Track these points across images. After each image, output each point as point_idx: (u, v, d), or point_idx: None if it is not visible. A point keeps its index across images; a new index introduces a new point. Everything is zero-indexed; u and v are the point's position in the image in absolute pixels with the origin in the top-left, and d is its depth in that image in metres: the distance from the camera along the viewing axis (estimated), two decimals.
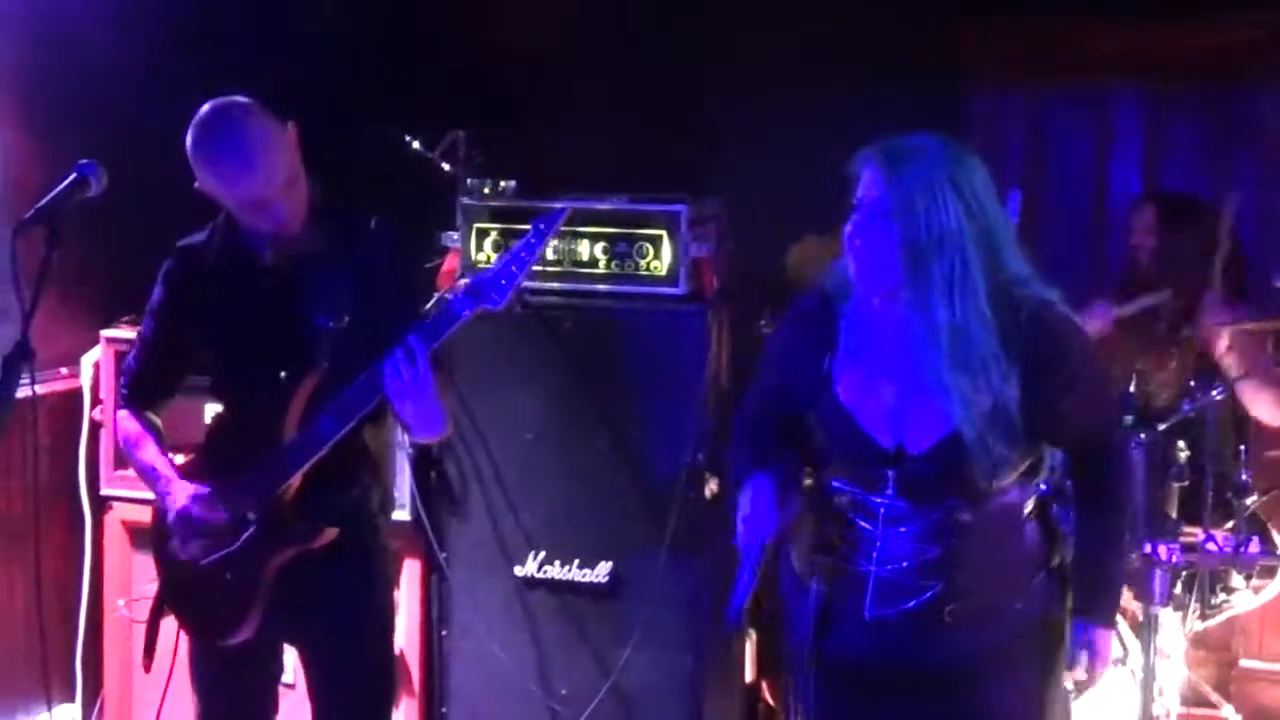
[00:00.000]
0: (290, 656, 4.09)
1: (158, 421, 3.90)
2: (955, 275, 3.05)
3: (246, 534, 3.61)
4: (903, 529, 3.25)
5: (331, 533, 3.61)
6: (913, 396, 3.20)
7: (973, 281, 3.06)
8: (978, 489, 3.19)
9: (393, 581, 3.90)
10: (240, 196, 3.53)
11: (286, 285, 3.66)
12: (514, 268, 3.45)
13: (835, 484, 3.36)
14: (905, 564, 3.25)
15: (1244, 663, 5.85)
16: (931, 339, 3.10)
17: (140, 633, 3.87)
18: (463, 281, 4.86)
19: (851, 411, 3.25)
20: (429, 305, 3.93)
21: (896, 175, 3.05)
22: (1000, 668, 3.31)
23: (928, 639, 3.27)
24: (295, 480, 3.57)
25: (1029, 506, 3.37)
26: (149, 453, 3.80)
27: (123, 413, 3.91)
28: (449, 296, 3.49)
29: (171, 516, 3.67)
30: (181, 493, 3.68)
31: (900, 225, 3.05)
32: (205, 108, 3.58)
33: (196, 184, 3.59)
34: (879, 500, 3.26)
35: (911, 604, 3.25)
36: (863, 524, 3.30)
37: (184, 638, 3.91)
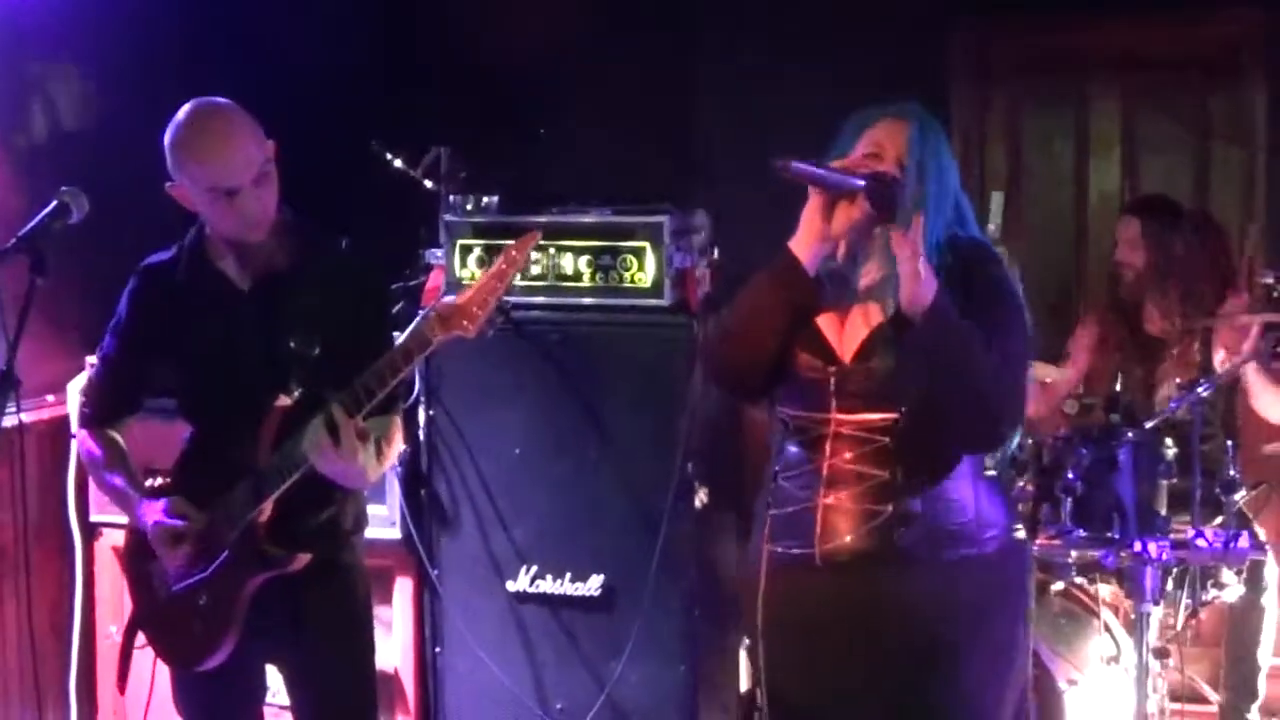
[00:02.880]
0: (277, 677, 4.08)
1: (120, 440, 3.84)
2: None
3: (221, 559, 3.60)
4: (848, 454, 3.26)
5: (305, 558, 3.60)
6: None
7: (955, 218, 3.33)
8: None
9: (369, 598, 3.89)
10: (211, 180, 3.49)
11: (257, 307, 3.64)
12: (488, 296, 3.42)
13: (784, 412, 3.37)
14: (853, 490, 3.24)
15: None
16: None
17: (134, 659, 3.85)
18: (442, 302, 4.86)
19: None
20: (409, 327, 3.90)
21: (930, 132, 3.27)
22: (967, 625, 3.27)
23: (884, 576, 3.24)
24: (268, 505, 3.57)
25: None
26: (116, 474, 3.78)
27: (82, 433, 3.87)
28: (421, 323, 3.45)
29: (151, 532, 3.66)
30: (155, 508, 3.67)
31: (930, 176, 3.24)
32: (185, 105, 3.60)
33: (169, 185, 3.58)
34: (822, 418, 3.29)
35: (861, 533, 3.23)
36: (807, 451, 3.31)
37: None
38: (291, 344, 3.58)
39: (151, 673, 3.88)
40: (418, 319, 3.54)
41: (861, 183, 3.15)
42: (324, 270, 3.66)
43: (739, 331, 3.31)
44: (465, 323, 3.40)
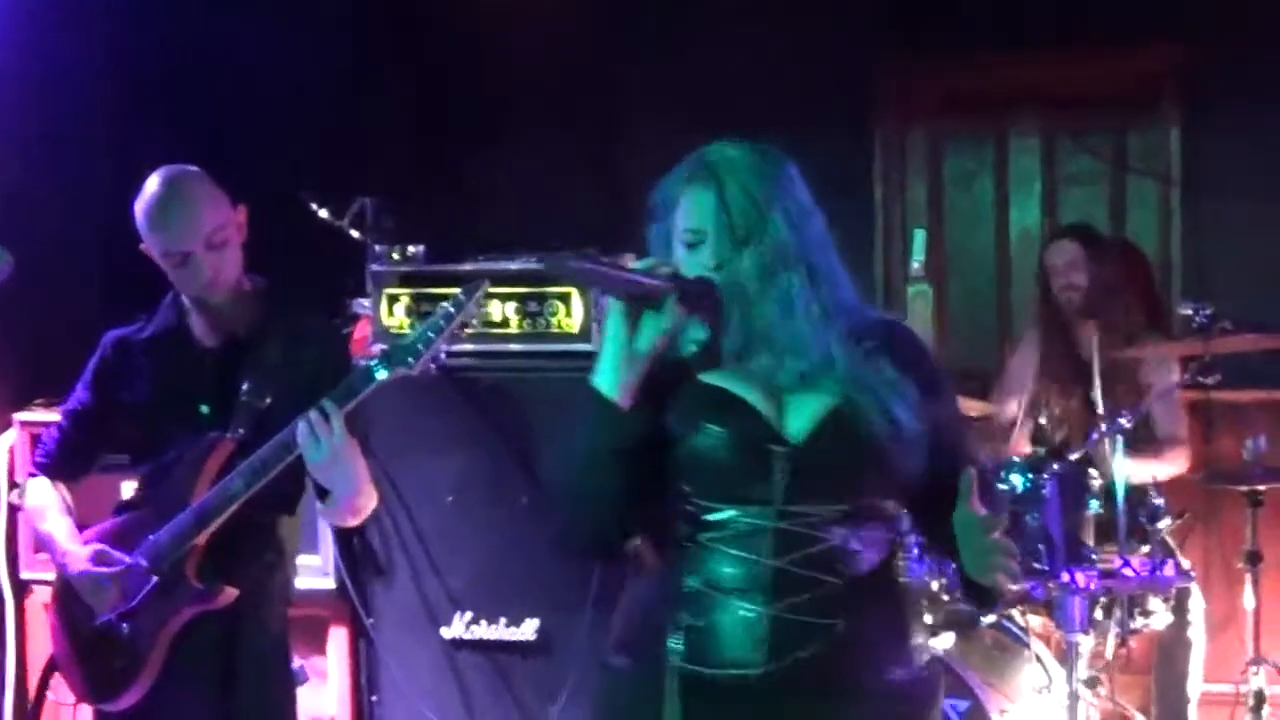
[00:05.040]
0: None
1: (68, 496, 3.91)
2: (801, 293, 2.72)
3: (147, 589, 3.61)
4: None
5: (231, 593, 3.62)
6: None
7: (823, 299, 2.74)
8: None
9: (290, 658, 3.91)
10: (161, 244, 3.64)
11: (217, 365, 3.73)
12: (430, 333, 3.49)
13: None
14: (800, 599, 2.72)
15: None
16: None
17: (68, 715, 3.85)
18: (379, 347, 4.88)
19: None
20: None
21: (735, 197, 2.72)
22: None
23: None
24: (201, 540, 3.59)
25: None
26: (53, 521, 3.83)
27: (42, 480, 3.92)
28: (365, 360, 3.52)
29: (74, 579, 3.68)
30: (81, 553, 3.70)
31: (753, 249, 2.71)
32: None
33: (141, 245, 3.70)
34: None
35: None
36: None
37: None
38: (243, 395, 3.65)
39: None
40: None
41: (666, 284, 2.69)
42: (289, 334, 3.74)
43: (583, 495, 2.78)
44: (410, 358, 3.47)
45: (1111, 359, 5.42)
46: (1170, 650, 5.42)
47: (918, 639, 2.87)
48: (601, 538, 2.85)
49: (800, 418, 2.72)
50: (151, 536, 3.64)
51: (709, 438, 2.74)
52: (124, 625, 3.66)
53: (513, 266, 4.93)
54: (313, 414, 3.45)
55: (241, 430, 3.65)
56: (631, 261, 2.80)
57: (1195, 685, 5.44)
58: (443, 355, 3.52)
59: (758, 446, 2.72)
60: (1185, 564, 5.36)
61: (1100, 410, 5.19)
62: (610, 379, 2.72)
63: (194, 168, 3.73)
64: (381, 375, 3.49)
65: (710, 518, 2.75)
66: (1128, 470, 4.93)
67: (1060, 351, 5.66)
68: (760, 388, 2.74)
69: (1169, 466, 5.38)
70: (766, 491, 2.71)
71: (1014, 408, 5.68)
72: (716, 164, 2.77)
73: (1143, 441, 5.29)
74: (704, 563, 2.75)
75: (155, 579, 3.61)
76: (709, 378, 2.77)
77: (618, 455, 2.72)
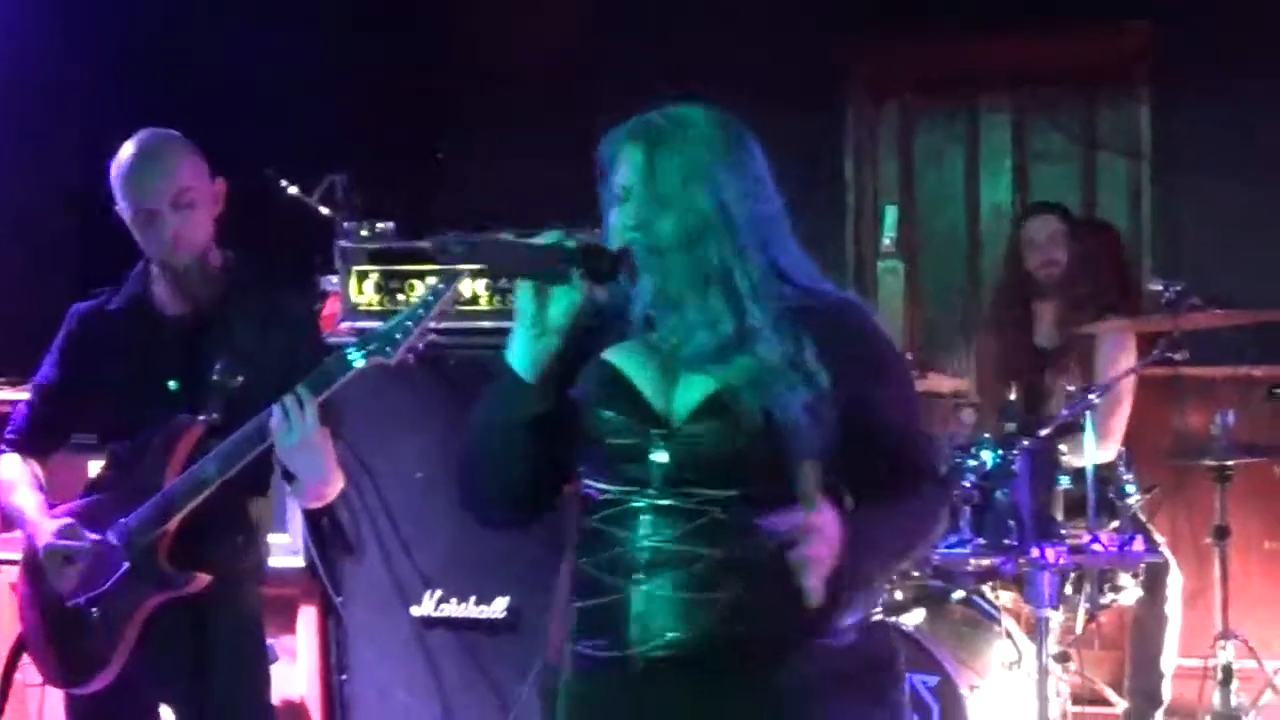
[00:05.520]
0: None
1: (40, 471, 3.88)
2: (723, 266, 2.61)
3: (119, 573, 3.59)
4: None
5: (204, 579, 3.59)
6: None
7: (751, 274, 2.62)
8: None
9: (264, 640, 3.89)
10: (127, 197, 3.64)
11: (189, 342, 3.69)
12: (409, 322, 3.43)
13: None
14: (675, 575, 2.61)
15: None
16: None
17: (36, 696, 3.82)
18: (348, 325, 4.86)
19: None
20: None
21: (667, 158, 2.64)
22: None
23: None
24: (172, 526, 3.57)
25: None
26: (23, 495, 3.80)
27: (12, 456, 3.89)
28: (343, 347, 3.48)
29: (42, 550, 3.65)
30: (49, 526, 3.68)
31: (676, 213, 2.62)
32: None
33: (116, 207, 3.70)
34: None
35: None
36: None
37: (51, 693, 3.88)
38: (214, 375, 3.61)
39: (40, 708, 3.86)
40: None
41: (566, 257, 2.62)
42: (261, 314, 3.72)
43: (477, 462, 2.78)
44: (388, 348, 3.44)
45: (1075, 335, 5.44)
46: (1146, 626, 5.44)
47: (848, 618, 2.67)
48: (502, 509, 2.83)
49: (685, 400, 2.62)
50: (122, 520, 3.61)
51: (596, 419, 2.67)
52: (94, 610, 3.62)
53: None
54: (287, 400, 3.42)
55: (215, 414, 3.61)
56: (544, 237, 2.69)
57: (1170, 661, 5.46)
58: (421, 345, 3.46)
59: (638, 429, 2.63)
60: (1160, 540, 5.39)
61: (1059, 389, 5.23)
62: (520, 354, 2.67)
63: (173, 131, 3.73)
64: (359, 364, 3.46)
65: (599, 498, 2.69)
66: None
67: (1022, 330, 5.68)
68: (658, 365, 2.67)
69: (1099, 454, 5.17)
70: (644, 473, 2.62)
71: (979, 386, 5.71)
72: (658, 123, 2.69)
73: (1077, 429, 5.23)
74: (592, 544, 2.69)
75: (127, 564, 3.59)
76: (611, 353, 2.71)
77: (518, 429, 2.69)
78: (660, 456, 2.61)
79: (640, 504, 2.62)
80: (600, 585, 2.66)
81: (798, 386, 2.57)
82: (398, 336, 3.43)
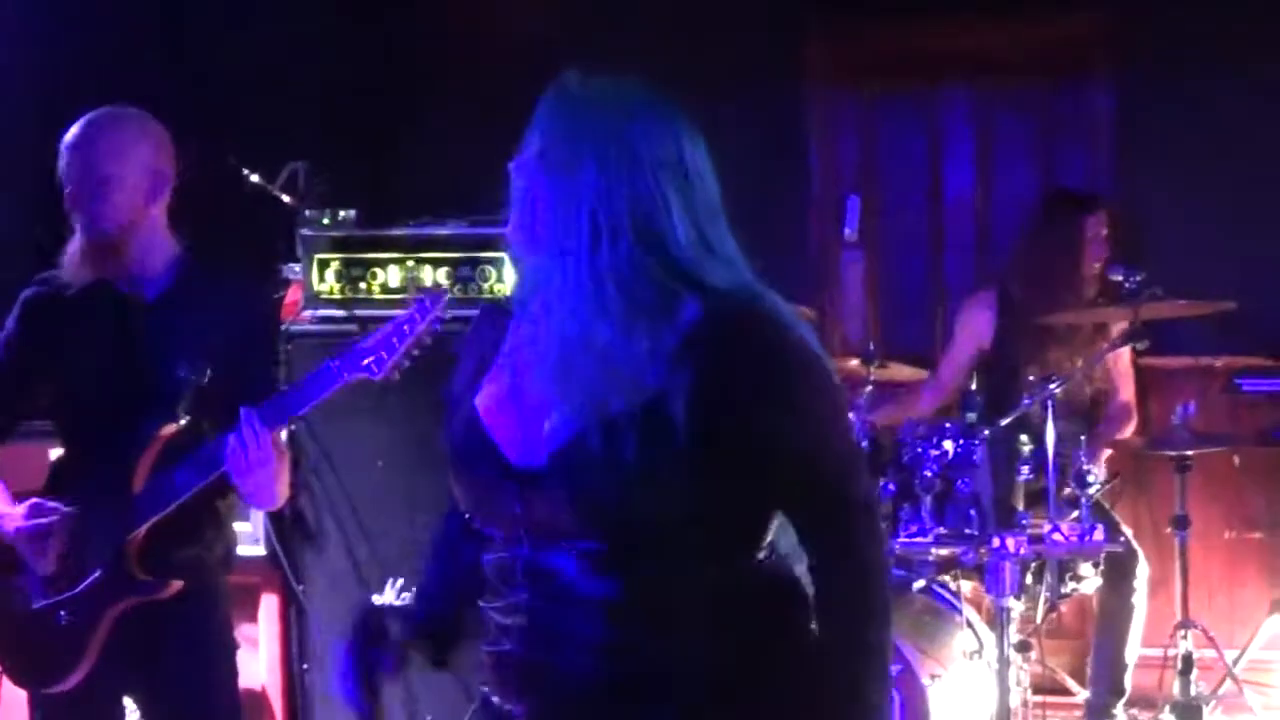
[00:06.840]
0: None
1: None
2: (604, 249, 2.30)
3: (90, 579, 3.56)
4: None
5: (176, 585, 3.58)
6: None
7: (629, 258, 2.30)
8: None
9: (231, 630, 3.87)
10: (60, 172, 3.60)
11: (147, 330, 3.64)
12: (395, 339, 3.35)
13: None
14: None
15: None
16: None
17: None
18: (310, 314, 4.84)
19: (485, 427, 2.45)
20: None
21: (568, 122, 2.44)
22: None
23: None
24: (142, 531, 3.54)
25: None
26: None
27: None
28: (328, 362, 3.41)
29: (12, 534, 3.61)
30: (16, 511, 3.64)
31: (553, 181, 2.39)
32: None
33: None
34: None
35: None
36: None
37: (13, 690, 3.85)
38: (181, 373, 3.55)
39: None
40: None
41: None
42: (218, 301, 3.67)
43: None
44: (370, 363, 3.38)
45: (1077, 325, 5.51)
46: (1113, 616, 5.46)
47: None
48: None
49: (539, 448, 2.36)
50: (90, 521, 3.58)
51: (460, 469, 2.49)
52: (62, 613, 3.59)
53: (443, 231, 4.91)
54: (243, 431, 3.38)
55: (186, 418, 3.55)
56: None
57: (1134, 651, 5.48)
58: (406, 363, 3.40)
59: (496, 482, 2.40)
60: (1128, 532, 5.41)
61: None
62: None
63: (132, 109, 3.69)
64: (346, 378, 3.41)
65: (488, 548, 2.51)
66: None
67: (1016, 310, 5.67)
68: (518, 403, 2.41)
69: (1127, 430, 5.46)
70: (511, 527, 2.41)
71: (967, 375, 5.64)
72: (561, 90, 2.49)
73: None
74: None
75: (99, 571, 3.56)
76: (482, 396, 2.48)
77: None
78: (520, 508, 2.38)
79: (509, 558, 2.43)
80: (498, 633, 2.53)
81: (655, 429, 2.28)
82: (384, 354, 3.34)
